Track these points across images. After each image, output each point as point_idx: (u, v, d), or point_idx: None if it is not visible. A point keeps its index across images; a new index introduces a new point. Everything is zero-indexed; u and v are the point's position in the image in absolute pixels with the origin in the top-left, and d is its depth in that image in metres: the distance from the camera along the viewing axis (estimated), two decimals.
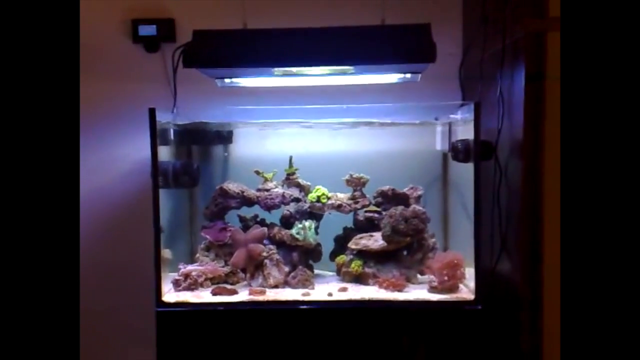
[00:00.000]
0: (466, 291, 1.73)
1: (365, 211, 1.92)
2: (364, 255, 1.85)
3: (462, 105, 1.86)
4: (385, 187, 1.93)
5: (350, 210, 1.92)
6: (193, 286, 1.78)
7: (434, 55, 1.58)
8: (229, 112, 2.00)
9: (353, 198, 1.93)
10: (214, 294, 1.74)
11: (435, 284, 1.73)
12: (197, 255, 1.91)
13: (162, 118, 1.74)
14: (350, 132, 2.07)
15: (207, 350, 1.67)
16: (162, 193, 1.72)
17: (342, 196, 1.94)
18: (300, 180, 1.96)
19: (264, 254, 1.82)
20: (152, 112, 1.66)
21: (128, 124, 2.08)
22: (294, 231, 1.86)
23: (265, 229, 1.87)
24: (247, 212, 1.95)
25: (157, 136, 1.67)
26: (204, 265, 1.85)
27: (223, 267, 1.86)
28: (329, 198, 1.91)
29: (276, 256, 1.83)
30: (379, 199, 1.94)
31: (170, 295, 1.75)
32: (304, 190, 1.96)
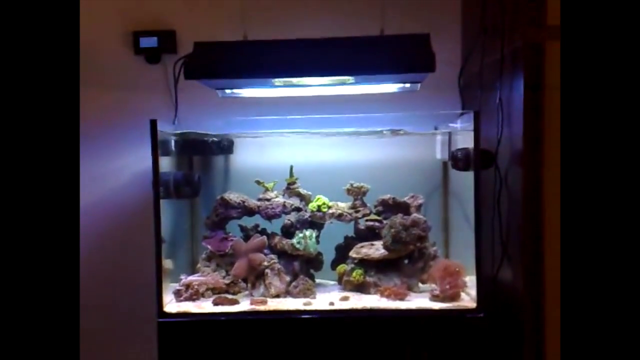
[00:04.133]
0: (468, 299, 1.73)
1: (366, 220, 1.93)
2: (365, 264, 1.85)
3: (461, 114, 1.86)
4: (386, 196, 1.93)
5: (351, 220, 1.92)
6: (194, 296, 1.78)
7: (434, 64, 1.58)
8: (230, 122, 2.01)
9: (354, 207, 1.93)
10: (216, 304, 1.74)
11: (437, 292, 1.73)
12: (199, 265, 1.91)
13: (163, 129, 1.74)
14: (350, 141, 2.07)
15: None
16: (164, 203, 1.73)
17: (343, 205, 1.94)
18: (300, 190, 1.96)
19: (265, 263, 1.82)
20: (153, 124, 1.67)
21: (129, 135, 2.09)
22: (294, 240, 1.86)
23: (265, 237, 1.87)
24: (248, 221, 1.96)
25: (158, 147, 1.68)
26: (206, 275, 1.85)
27: (224, 277, 1.86)
28: (329, 207, 1.92)
29: (277, 266, 1.83)
30: (380, 208, 1.94)
31: (171, 305, 1.75)
32: (305, 199, 1.96)
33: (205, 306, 1.74)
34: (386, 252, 1.82)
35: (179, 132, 1.93)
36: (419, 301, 1.74)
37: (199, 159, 2.10)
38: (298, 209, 1.93)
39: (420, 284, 1.85)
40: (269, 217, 1.92)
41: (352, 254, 1.87)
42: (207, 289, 1.81)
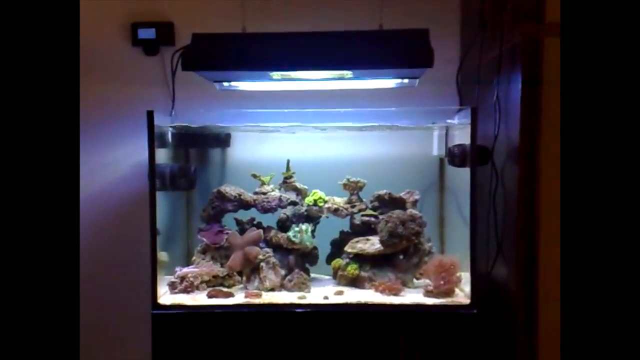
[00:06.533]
0: (462, 295, 1.73)
1: (362, 215, 1.93)
2: (360, 259, 1.85)
3: (459, 110, 1.86)
4: (382, 192, 1.93)
5: (347, 214, 1.92)
6: (189, 289, 1.78)
7: (432, 60, 1.58)
8: (227, 115, 2.00)
9: (350, 202, 1.94)
10: (210, 296, 1.74)
11: (431, 288, 1.73)
12: (194, 257, 1.91)
13: (160, 121, 1.74)
14: (347, 136, 2.08)
15: (203, 353, 1.67)
16: (159, 195, 1.72)
17: (339, 200, 1.94)
18: (297, 184, 1.96)
19: (260, 256, 1.82)
20: (150, 115, 1.67)
21: (127, 127, 2.09)
22: (290, 234, 1.86)
23: (261, 230, 1.87)
24: (244, 215, 1.96)
25: (154, 139, 1.68)
26: (201, 267, 1.85)
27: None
28: (325, 202, 1.92)
29: (272, 259, 1.83)
30: (376, 203, 1.94)
31: (166, 297, 1.75)
32: (301, 193, 1.96)
33: (199, 298, 1.74)
34: (381, 247, 1.83)
35: (176, 124, 1.93)
36: (413, 296, 1.74)
37: (196, 151, 2.10)
38: (294, 203, 1.93)
39: (414, 280, 1.85)
40: (265, 211, 1.92)
41: (348, 248, 1.87)
42: (202, 282, 1.81)
